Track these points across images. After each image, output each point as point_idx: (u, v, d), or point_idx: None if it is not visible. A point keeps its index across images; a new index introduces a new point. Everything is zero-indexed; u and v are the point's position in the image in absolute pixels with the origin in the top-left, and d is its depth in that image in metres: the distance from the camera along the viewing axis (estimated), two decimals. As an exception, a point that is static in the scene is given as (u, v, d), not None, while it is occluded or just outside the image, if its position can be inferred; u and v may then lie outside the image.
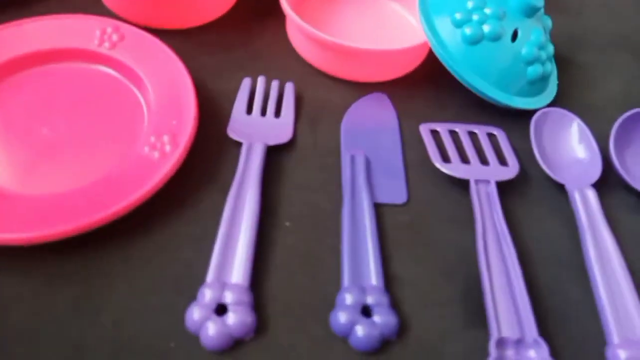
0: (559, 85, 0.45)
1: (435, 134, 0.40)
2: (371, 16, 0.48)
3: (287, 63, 0.45)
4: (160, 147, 0.35)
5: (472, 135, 0.41)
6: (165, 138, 0.35)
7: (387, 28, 0.47)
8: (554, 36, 0.45)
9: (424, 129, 0.40)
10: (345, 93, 0.43)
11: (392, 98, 0.43)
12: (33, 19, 0.40)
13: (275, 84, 0.42)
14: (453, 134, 0.41)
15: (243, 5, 0.48)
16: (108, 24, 0.41)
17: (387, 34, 0.47)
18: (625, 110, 0.41)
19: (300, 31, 0.42)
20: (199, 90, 0.39)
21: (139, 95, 0.39)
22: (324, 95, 0.43)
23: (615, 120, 0.40)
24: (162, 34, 0.44)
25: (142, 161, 0.34)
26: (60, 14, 0.41)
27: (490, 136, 0.41)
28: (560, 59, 0.48)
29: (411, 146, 0.40)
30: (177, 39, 0.44)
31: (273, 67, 0.44)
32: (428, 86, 0.44)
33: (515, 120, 0.42)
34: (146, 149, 0.35)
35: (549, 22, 0.43)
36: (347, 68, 0.43)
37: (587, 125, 0.41)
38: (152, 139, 0.35)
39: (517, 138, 0.41)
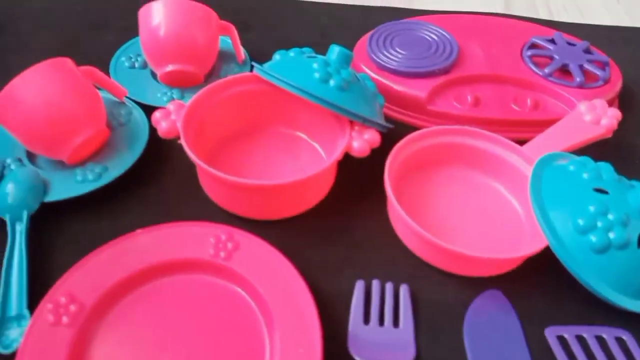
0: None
1: (562, 340, 0.39)
2: (474, 196, 0.48)
3: (393, 254, 0.44)
4: (291, 385, 0.33)
5: (600, 340, 0.39)
6: (295, 372, 0.34)
7: (489, 210, 0.47)
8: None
9: (552, 337, 0.38)
10: (458, 289, 0.42)
11: (507, 294, 0.41)
12: (146, 229, 0.40)
13: (389, 289, 0.41)
14: (581, 340, 0.39)
15: (339, 188, 0.48)
16: (221, 230, 0.40)
17: (490, 217, 0.46)
18: None
19: (408, 228, 0.42)
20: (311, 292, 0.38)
21: (258, 310, 0.38)
22: (437, 294, 0.41)
23: None
24: (266, 224, 0.44)
25: (274, 404, 0.33)
26: (173, 222, 0.41)
27: (619, 340, 0.39)
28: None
29: (540, 355, 0.38)
30: (280, 228, 0.44)
31: (380, 260, 0.43)
32: (543, 279, 0.42)
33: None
34: (277, 387, 0.33)
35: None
36: (458, 265, 0.42)
37: None
38: (282, 374, 0.34)
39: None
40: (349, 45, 0.59)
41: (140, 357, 0.35)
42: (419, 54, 0.56)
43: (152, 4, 0.53)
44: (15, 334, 0.36)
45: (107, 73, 0.56)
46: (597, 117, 0.49)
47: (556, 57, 0.57)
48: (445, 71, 0.55)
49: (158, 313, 0.37)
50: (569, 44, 0.59)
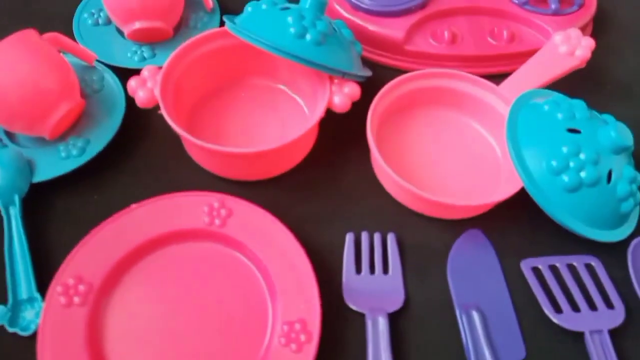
0: None
1: (536, 271, 0.42)
2: (454, 138, 0.49)
3: (378, 204, 0.46)
4: (295, 337, 0.37)
5: (571, 268, 0.43)
6: (297, 326, 0.37)
7: (468, 151, 0.49)
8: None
9: (527, 269, 0.42)
10: (441, 232, 0.44)
11: (486, 232, 0.44)
12: (140, 203, 0.41)
13: (377, 238, 0.43)
14: (553, 269, 0.42)
15: (322, 142, 0.49)
16: (213, 198, 0.42)
17: (469, 158, 0.48)
18: None
19: (390, 179, 0.43)
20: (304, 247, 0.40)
21: (257, 272, 0.40)
22: (421, 239, 0.44)
23: None
24: (254, 185, 0.45)
25: (281, 357, 0.36)
26: (165, 194, 0.42)
27: (588, 266, 0.43)
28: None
29: (517, 287, 0.42)
30: (269, 187, 0.46)
31: (366, 210, 0.45)
32: (519, 218, 0.45)
33: (608, 246, 0.43)
34: (282, 340, 0.37)
35: (631, 144, 0.44)
36: (440, 211, 0.44)
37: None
38: (285, 328, 0.37)
39: (613, 264, 0.43)
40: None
41: (153, 326, 0.38)
42: (393, -10, 0.54)
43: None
44: (31, 315, 0.38)
45: (71, 33, 0.53)
46: (572, 48, 0.50)
47: (532, -18, 0.55)
48: (422, 6, 0.54)
49: (163, 283, 0.40)
50: (545, -35, 0.58)
